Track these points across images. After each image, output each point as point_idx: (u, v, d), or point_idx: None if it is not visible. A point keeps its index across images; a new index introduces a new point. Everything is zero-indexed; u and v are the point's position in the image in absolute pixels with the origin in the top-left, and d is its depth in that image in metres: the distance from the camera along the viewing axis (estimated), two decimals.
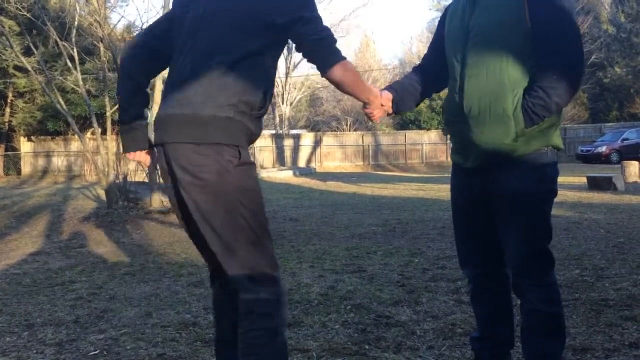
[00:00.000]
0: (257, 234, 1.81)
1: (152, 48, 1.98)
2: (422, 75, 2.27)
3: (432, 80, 2.25)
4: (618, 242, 5.28)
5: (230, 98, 1.77)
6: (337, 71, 1.81)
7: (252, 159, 1.88)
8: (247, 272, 1.79)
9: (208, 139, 1.76)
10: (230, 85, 1.78)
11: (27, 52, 12.37)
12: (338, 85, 1.86)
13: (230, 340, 1.95)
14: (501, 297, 2.20)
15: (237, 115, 1.78)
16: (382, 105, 2.10)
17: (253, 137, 1.87)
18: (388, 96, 2.14)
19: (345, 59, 1.82)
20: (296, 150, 27.03)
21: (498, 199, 1.98)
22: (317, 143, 27.45)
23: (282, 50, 1.97)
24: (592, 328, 2.87)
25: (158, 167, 1.98)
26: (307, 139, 27.92)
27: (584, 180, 11.71)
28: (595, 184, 11.10)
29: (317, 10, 1.84)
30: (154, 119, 1.91)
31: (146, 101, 2.01)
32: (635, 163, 13.65)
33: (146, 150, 2.03)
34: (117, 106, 9.22)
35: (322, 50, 1.81)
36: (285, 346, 1.84)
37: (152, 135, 1.95)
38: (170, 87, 1.89)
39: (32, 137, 23.05)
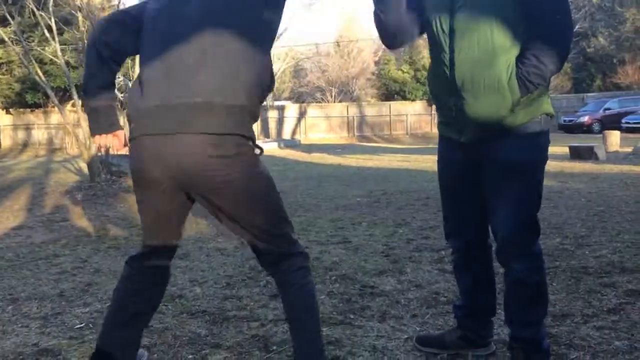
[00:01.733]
0: (282, 207, 1.93)
1: (125, 25, 1.89)
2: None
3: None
4: (598, 211, 5.36)
5: (244, 86, 1.74)
6: None
7: None
8: (287, 241, 1.92)
9: (226, 130, 1.71)
10: (242, 74, 1.74)
11: (3, 22, 12.06)
12: None
13: (126, 320, 1.98)
14: (484, 267, 2.23)
15: (249, 104, 1.76)
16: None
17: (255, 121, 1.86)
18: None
19: None
20: (280, 121, 26.91)
21: (491, 168, 1.96)
22: (302, 114, 27.34)
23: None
24: (571, 295, 2.93)
25: (134, 165, 1.84)
26: (292, 110, 27.79)
27: (566, 149, 11.83)
28: (577, 154, 11.23)
29: None
30: (137, 103, 1.79)
31: (113, 73, 1.89)
32: (617, 132, 13.81)
33: (117, 132, 1.92)
34: None
35: None
36: None
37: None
38: (166, 74, 1.75)
39: (11, 110, 22.64)
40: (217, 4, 1.80)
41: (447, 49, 1.92)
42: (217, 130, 1.69)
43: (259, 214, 1.84)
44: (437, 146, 2.23)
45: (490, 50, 1.85)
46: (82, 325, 2.76)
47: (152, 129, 1.73)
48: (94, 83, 1.88)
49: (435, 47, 1.99)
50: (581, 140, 14.67)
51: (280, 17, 1.89)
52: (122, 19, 1.91)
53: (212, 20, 1.77)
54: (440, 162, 2.20)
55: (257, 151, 1.83)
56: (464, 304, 2.29)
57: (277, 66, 33.27)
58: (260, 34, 1.81)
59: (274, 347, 2.40)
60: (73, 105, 9.55)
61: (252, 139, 1.80)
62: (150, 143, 1.74)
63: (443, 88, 1.98)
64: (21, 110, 22.67)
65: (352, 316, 2.76)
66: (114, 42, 1.87)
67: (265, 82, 1.82)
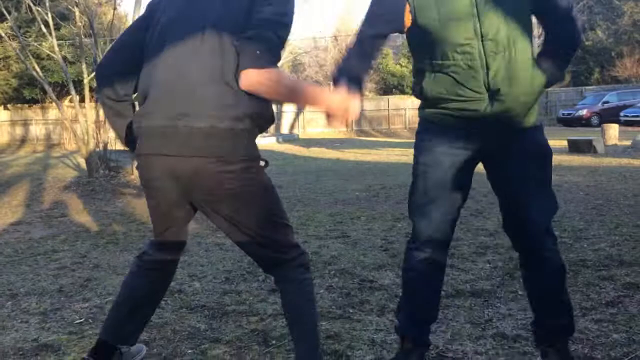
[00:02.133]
0: (283, 216, 1.95)
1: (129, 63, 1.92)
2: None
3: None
4: (597, 204, 5.37)
5: (246, 109, 1.73)
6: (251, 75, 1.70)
7: None
8: (286, 245, 1.93)
9: (233, 152, 1.74)
10: (243, 95, 1.72)
11: (0, 18, 12.01)
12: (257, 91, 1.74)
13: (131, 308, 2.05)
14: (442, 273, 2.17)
15: (251, 126, 1.77)
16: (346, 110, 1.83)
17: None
18: (352, 97, 1.84)
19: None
20: (279, 116, 26.87)
21: (520, 157, 1.96)
22: (300, 109, 27.30)
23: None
24: (570, 288, 2.92)
25: (144, 176, 1.90)
26: (290, 104, 27.73)
27: (565, 143, 11.84)
28: (576, 147, 11.23)
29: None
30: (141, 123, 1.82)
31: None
32: (615, 125, 13.82)
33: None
34: (94, 73, 9.06)
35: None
36: None
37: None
38: (168, 91, 1.77)
39: (8, 106, 22.59)
40: (219, 21, 1.77)
41: (476, 50, 1.84)
42: (224, 153, 1.73)
43: (261, 221, 1.87)
44: None
45: (520, 47, 1.86)
46: (81, 320, 2.77)
47: (160, 150, 1.77)
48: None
49: (451, 50, 1.88)
50: (580, 134, 14.68)
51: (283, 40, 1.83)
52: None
53: (214, 37, 1.75)
54: (436, 155, 2.03)
55: (262, 163, 1.86)
56: (422, 318, 2.11)
57: None
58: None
59: (273, 342, 2.41)
60: (71, 100, 9.52)
61: (257, 156, 1.83)
62: (160, 162, 1.80)
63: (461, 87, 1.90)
64: (19, 105, 22.61)
65: (351, 310, 2.77)
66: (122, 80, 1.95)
67: (261, 104, 1.79)
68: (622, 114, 22.05)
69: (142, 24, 1.93)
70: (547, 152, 2.02)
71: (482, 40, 1.84)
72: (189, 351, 2.36)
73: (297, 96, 1.88)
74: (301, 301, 1.91)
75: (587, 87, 29.34)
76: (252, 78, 1.70)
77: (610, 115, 22.01)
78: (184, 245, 2.10)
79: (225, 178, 1.75)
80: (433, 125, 2.03)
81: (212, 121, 1.70)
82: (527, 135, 1.97)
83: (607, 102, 24.18)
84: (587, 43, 31.18)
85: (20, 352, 2.39)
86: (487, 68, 1.85)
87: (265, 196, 1.88)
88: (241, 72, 1.70)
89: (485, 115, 1.90)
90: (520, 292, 2.87)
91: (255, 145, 1.83)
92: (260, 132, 1.86)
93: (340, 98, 1.82)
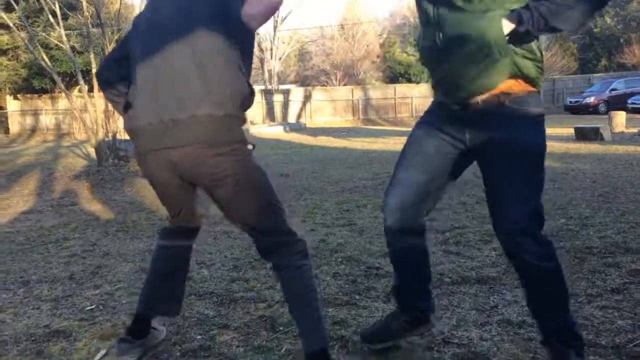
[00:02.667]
0: (279, 202, 2.01)
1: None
2: None
3: None
4: (603, 192, 5.37)
5: (224, 95, 1.85)
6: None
7: None
8: (281, 230, 2.00)
9: (217, 138, 1.85)
10: (220, 83, 1.85)
11: (8, 8, 12.03)
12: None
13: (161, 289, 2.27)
14: (422, 239, 2.16)
15: (232, 111, 1.87)
16: None
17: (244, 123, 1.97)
18: None
19: None
20: (286, 105, 26.86)
21: (501, 154, 1.86)
22: (307, 98, 27.26)
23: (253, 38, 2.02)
24: (575, 275, 2.96)
25: (144, 173, 2.05)
26: (297, 93, 27.70)
27: (572, 131, 11.78)
28: (583, 135, 11.19)
29: None
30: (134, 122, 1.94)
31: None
32: (622, 113, 13.74)
33: None
34: None
35: None
36: None
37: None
38: (154, 89, 1.89)
39: (18, 95, 22.68)
40: (195, 19, 1.89)
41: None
42: (207, 138, 1.85)
43: (253, 205, 1.96)
44: None
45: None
46: (92, 307, 2.82)
47: (151, 146, 1.91)
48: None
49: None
50: (587, 122, 14.61)
51: (249, 38, 1.98)
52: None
53: (191, 34, 1.88)
54: (425, 133, 2.05)
55: (250, 147, 1.94)
56: (402, 282, 2.19)
57: (282, 50, 33.15)
58: (236, 47, 1.90)
59: (281, 328, 2.44)
60: (79, 90, 9.55)
61: (242, 139, 1.92)
62: (152, 157, 1.94)
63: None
64: (28, 95, 22.69)
65: (357, 297, 2.80)
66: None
67: (244, 90, 1.92)
68: (629, 101, 21.87)
69: (130, 34, 2.07)
70: (533, 149, 1.87)
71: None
72: (198, 337, 2.40)
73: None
74: (300, 287, 1.97)
75: (594, 75, 29.11)
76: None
77: (617, 102, 21.84)
78: (197, 231, 2.26)
79: (215, 162, 1.86)
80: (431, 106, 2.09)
81: (191, 111, 1.82)
82: (513, 129, 1.84)
83: (614, 89, 23.99)
84: (595, 30, 30.92)
85: (33, 338, 2.44)
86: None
87: (259, 179, 1.96)
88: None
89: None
90: None
91: (240, 130, 1.92)
92: (245, 110, 1.95)
93: None
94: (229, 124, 1.87)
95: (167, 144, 1.86)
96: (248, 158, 1.93)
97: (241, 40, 1.92)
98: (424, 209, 2.11)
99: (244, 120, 1.95)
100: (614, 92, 23.76)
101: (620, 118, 13.22)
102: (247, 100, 1.94)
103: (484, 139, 1.90)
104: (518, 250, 1.87)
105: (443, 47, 1.85)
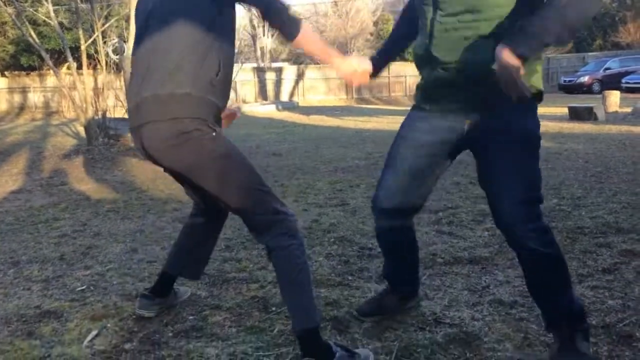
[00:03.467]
0: (254, 181, 1.99)
1: None
2: (402, 30, 2.23)
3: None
4: (596, 172, 5.38)
5: (187, 76, 1.88)
6: (301, 38, 1.93)
7: (230, 103, 2.05)
8: (265, 212, 1.98)
9: (172, 115, 1.88)
10: (184, 64, 1.88)
11: None
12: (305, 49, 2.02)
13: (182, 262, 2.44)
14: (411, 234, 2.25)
15: (195, 91, 1.89)
16: (356, 71, 2.08)
17: (218, 108, 1.99)
18: (364, 64, 2.11)
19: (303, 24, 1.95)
20: (278, 83, 26.66)
21: (498, 140, 1.83)
22: (300, 76, 27.06)
23: (233, 15, 2.02)
24: (567, 255, 2.95)
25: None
26: (290, 71, 27.48)
27: (565, 110, 11.78)
28: (576, 114, 11.18)
29: None
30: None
31: None
32: (616, 92, 13.74)
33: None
34: (91, 39, 8.94)
35: (286, 18, 1.91)
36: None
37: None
38: (135, 74, 2.00)
39: (6, 73, 22.39)
40: (170, 5, 1.95)
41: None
42: (164, 116, 1.89)
43: (227, 191, 1.97)
44: None
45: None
46: (83, 287, 2.80)
47: (132, 124, 2.01)
48: None
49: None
50: (581, 101, 14.59)
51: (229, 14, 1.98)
52: None
53: (164, 19, 1.93)
54: (415, 130, 2.07)
55: (214, 134, 1.93)
56: (394, 275, 2.34)
57: None
58: (203, 18, 1.91)
59: (273, 309, 2.44)
60: (68, 67, 9.41)
61: (206, 122, 1.92)
62: (135, 134, 2.02)
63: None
64: (16, 73, 22.39)
65: (350, 277, 2.80)
66: None
67: (211, 72, 1.92)
68: (623, 80, 21.87)
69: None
70: (526, 138, 1.83)
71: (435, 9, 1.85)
72: (190, 317, 2.39)
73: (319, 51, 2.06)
74: (288, 268, 1.96)
75: (589, 54, 29.05)
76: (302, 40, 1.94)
77: (611, 82, 21.84)
78: (210, 210, 2.32)
79: (175, 150, 1.90)
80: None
81: (156, 89, 1.89)
82: (504, 119, 1.82)
83: (608, 68, 23.97)
84: None
85: (24, 319, 2.42)
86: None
87: (227, 166, 1.95)
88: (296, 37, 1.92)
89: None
90: (517, 260, 2.89)
91: (205, 111, 1.92)
92: (223, 96, 1.99)
93: (348, 64, 2.06)
94: (191, 103, 1.88)
95: (136, 122, 1.96)
96: (212, 145, 1.91)
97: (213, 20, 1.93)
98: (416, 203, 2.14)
99: (217, 107, 1.97)
100: (608, 71, 23.74)
101: (614, 97, 13.21)
102: (222, 84, 1.96)
103: (484, 127, 1.86)
104: (520, 241, 1.84)
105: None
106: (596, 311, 2.30)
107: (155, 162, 2.03)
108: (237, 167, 1.97)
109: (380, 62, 2.20)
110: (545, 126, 9.24)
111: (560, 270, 1.89)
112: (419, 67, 2.02)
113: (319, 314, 2.10)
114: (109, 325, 2.34)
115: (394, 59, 2.31)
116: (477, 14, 1.76)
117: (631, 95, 17.98)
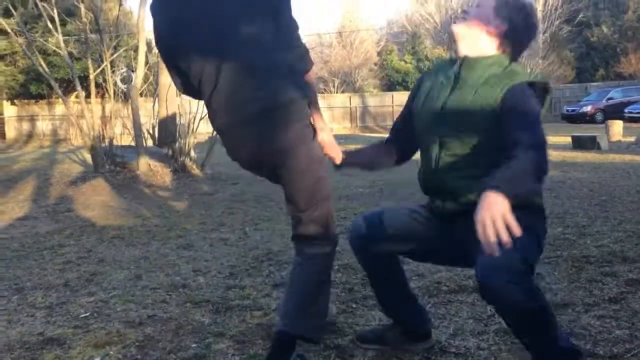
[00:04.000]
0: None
1: None
2: (386, 148, 2.32)
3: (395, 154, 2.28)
4: (600, 200, 5.37)
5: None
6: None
7: None
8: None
9: None
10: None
11: (6, 13, 12.06)
12: None
13: None
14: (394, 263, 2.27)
15: None
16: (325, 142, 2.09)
17: None
18: (334, 151, 2.14)
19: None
20: None
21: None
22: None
23: None
24: (573, 284, 2.95)
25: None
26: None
27: (569, 139, 11.81)
28: (580, 143, 11.21)
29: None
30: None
31: None
32: (619, 122, 13.80)
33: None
34: (100, 69, 9.07)
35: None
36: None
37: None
38: None
39: (15, 101, 22.67)
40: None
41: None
42: None
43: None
44: None
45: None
46: (87, 314, 2.79)
47: None
48: None
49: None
50: (584, 130, 14.65)
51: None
52: None
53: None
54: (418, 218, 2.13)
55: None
56: (385, 307, 2.33)
57: None
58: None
59: None
60: (77, 96, 9.53)
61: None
62: None
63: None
64: (25, 101, 22.68)
65: (354, 305, 2.79)
66: None
67: None
68: (626, 110, 21.95)
69: None
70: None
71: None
72: (193, 345, 2.38)
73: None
74: (319, 268, 2.05)
75: (592, 84, 29.23)
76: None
77: (614, 111, 21.90)
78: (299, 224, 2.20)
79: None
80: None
81: None
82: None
83: (611, 98, 24.08)
84: (592, 39, 31.07)
85: (26, 346, 2.42)
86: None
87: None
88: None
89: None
90: None
91: None
92: None
93: (321, 137, 2.07)
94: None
95: None
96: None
97: None
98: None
99: None
100: (610, 101, 23.85)
101: (617, 127, 13.26)
102: None
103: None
104: (501, 300, 1.75)
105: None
106: (603, 341, 2.27)
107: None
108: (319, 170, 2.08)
109: (351, 157, 2.23)
110: (549, 155, 9.22)
111: (544, 320, 1.75)
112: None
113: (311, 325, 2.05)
114: (111, 352, 2.33)
115: (363, 167, 2.38)
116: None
117: (634, 125, 18.03)
